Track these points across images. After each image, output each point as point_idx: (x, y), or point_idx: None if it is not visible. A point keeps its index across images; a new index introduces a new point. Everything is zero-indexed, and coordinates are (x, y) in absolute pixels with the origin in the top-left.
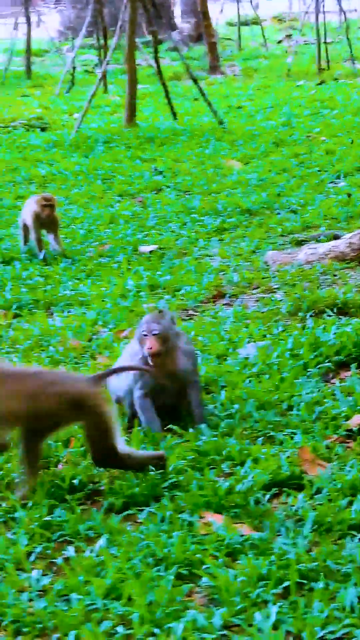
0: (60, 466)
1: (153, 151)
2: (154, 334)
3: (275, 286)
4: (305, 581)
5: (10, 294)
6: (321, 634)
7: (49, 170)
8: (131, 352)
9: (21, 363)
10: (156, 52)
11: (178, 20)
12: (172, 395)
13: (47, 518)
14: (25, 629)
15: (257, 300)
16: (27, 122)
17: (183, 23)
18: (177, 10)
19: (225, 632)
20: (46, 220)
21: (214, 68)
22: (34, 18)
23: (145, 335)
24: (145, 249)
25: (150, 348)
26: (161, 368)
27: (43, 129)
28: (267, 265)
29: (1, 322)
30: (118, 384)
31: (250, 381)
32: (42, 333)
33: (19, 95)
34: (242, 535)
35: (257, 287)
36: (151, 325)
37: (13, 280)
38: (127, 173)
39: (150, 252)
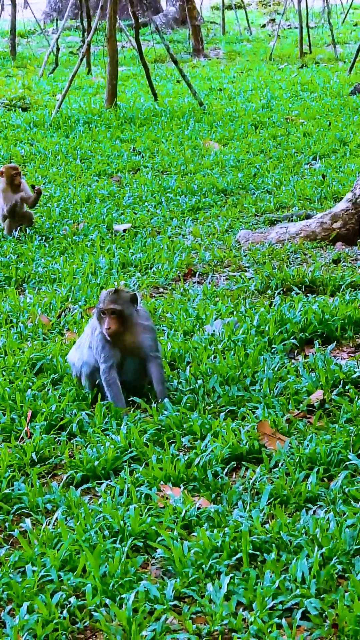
0: (21, 440)
1: (133, 132)
2: (111, 313)
3: (246, 265)
4: (258, 553)
5: None
6: (271, 604)
7: (29, 149)
8: (92, 327)
9: None
10: (137, 34)
11: (164, 3)
12: (134, 371)
13: (7, 491)
14: None
15: (228, 279)
16: (8, 102)
17: (169, 6)
18: None
19: (177, 602)
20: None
21: (198, 51)
22: None
23: (103, 314)
24: (119, 227)
25: (109, 328)
26: (121, 344)
27: (24, 109)
28: (239, 244)
29: None
30: (77, 356)
31: (215, 357)
32: (12, 309)
33: (3, 75)
34: (198, 508)
35: (229, 266)
36: (108, 304)
37: None
38: (106, 153)
39: (125, 230)
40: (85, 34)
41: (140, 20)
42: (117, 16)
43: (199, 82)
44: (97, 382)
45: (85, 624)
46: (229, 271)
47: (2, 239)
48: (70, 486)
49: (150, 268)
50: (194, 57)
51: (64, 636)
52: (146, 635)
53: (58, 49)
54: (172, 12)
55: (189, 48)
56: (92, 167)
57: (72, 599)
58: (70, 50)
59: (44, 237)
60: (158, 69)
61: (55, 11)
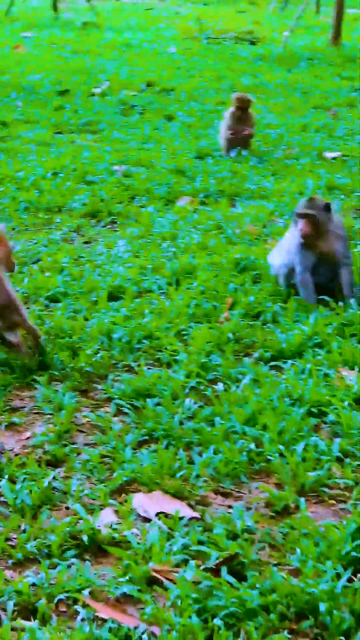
0: (220, 323)
1: (354, 70)
2: (304, 217)
3: None
4: None
5: (199, 184)
6: None
7: (252, 81)
8: (292, 234)
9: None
10: None
11: None
12: (327, 275)
13: (204, 360)
14: (173, 441)
15: None
16: (238, 35)
17: None
18: None
19: (340, 455)
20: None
21: None
22: None
23: (298, 218)
24: (329, 155)
25: (302, 230)
26: (314, 248)
27: (252, 43)
28: None
29: (188, 207)
30: (277, 258)
31: None
32: (223, 219)
33: (235, 10)
34: None
35: None
36: (303, 209)
37: (203, 173)
38: (326, 88)
39: (334, 158)
40: None
41: None
42: None
43: None
44: (292, 282)
45: (261, 465)
46: None
47: (220, 157)
48: (260, 362)
49: (354, 192)
50: None
51: (242, 474)
52: (311, 477)
53: None
54: None
55: None
56: (310, 100)
57: (252, 445)
58: None
59: (258, 159)
60: None
61: None
